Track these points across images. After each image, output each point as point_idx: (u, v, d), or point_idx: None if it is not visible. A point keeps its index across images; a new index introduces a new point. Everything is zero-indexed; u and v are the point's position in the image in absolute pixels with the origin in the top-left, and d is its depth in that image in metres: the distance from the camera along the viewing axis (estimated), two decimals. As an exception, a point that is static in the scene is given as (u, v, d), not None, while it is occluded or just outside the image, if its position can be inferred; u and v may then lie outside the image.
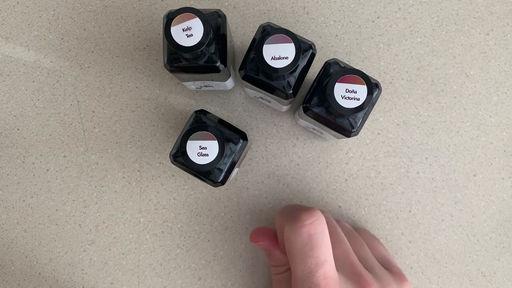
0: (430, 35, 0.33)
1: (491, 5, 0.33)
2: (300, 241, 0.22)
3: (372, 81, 0.23)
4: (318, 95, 0.24)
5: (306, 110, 0.25)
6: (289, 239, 0.23)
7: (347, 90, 0.22)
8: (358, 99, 0.22)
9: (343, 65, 0.25)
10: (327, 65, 0.25)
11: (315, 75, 0.25)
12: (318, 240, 0.22)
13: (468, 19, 0.33)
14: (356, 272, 0.23)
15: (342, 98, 0.22)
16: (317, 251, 0.22)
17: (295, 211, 0.24)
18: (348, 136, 0.25)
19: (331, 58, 0.25)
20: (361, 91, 0.22)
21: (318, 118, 0.25)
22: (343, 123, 0.24)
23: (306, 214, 0.23)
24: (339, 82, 0.22)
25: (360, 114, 0.24)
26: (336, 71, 0.24)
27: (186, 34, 0.23)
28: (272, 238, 0.27)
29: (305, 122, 0.29)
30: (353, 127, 0.24)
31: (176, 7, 0.33)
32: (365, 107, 0.22)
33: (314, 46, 0.25)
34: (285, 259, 0.26)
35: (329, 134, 0.28)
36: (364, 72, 0.22)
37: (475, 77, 0.33)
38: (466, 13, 0.33)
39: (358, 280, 0.23)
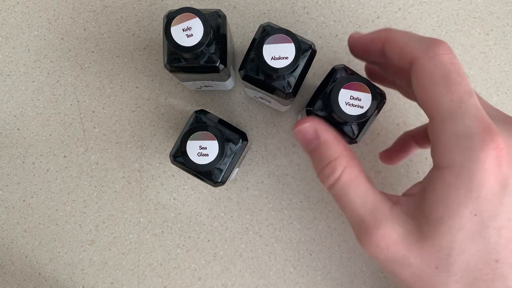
0: (430, 35, 0.33)
1: (491, 5, 0.33)
2: (444, 67, 0.19)
3: (377, 90, 0.23)
4: (323, 100, 0.24)
5: (309, 113, 0.25)
6: (427, 66, 0.19)
7: (352, 97, 0.22)
8: (362, 107, 0.22)
9: (350, 72, 0.25)
10: (334, 70, 0.25)
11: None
12: (462, 69, 0.19)
13: (468, 19, 0.33)
14: (480, 118, 0.19)
15: (346, 104, 0.22)
16: (465, 78, 0.19)
17: (424, 39, 0.21)
18: (349, 143, 0.25)
19: (339, 63, 0.25)
20: (366, 99, 0.22)
21: None
22: (345, 129, 0.24)
23: (444, 43, 0.20)
24: (344, 88, 0.22)
25: (363, 122, 0.24)
26: (342, 77, 0.24)
27: (186, 34, 0.23)
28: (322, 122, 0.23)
29: None
30: (354, 135, 0.24)
31: (176, 7, 0.33)
32: (368, 116, 0.22)
33: (314, 46, 0.25)
34: (341, 149, 0.22)
35: None
36: (369, 80, 0.22)
37: (475, 77, 0.33)
38: (466, 13, 0.33)
39: (485, 128, 0.18)
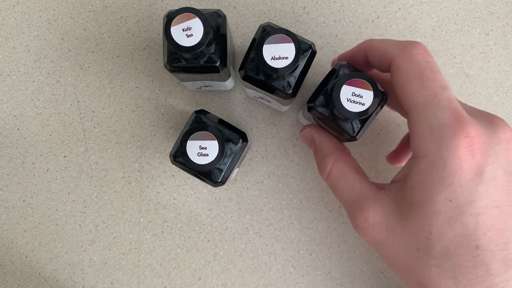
0: (430, 35, 0.33)
1: (491, 5, 0.33)
2: (418, 65, 0.20)
3: (379, 88, 0.23)
4: (324, 96, 0.24)
5: (310, 109, 0.25)
6: (403, 66, 0.21)
7: (354, 94, 0.22)
8: (363, 104, 0.22)
9: (353, 68, 0.25)
10: (337, 67, 0.25)
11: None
12: (436, 66, 0.20)
13: (468, 19, 0.33)
14: (453, 109, 0.20)
15: (348, 101, 0.22)
16: (438, 74, 0.20)
17: (400, 42, 0.22)
18: (349, 140, 0.25)
19: (342, 60, 0.26)
20: (367, 96, 0.22)
21: (321, 118, 0.25)
22: (345, 126, 0.24)
23: (418, 44, 0.21)
24: (346, 84, 0.22)
25: (364, 120, 0.24)
26: (345, 73, 0.24)
27: (186, 34, 0.23)
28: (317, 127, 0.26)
29: (308, 121, 0.29)
30: (354, 132, 0.24)
31: (176, 7, 0.33)
32: (370, 113, 0.22)
33: (314, 46, 0.25)
34: (331, 148, 0.26)
35: None
36: (372, 77, 0.22)
37: (475, 77, 0.33)
38: (466, 13, 0.33)
39: (457, 118, 0.20)
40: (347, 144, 0.32)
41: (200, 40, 0.23)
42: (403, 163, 0.29)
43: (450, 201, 0.19)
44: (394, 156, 0.30)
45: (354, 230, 0.23)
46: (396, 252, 0.21)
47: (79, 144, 0.33)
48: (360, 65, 0.26)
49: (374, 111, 0.23)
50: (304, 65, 0.25)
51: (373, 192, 0.23)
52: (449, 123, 0.19)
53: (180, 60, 0.25)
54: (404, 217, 0.20)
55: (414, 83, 0.20)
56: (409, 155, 0.30)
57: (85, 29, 0.34)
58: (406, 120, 0.32)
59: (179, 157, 0.26)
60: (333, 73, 0.25)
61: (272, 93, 0.25)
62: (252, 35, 0.33)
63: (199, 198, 0.33)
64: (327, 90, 0.24)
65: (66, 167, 0.33)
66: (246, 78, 0.25)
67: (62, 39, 0.34)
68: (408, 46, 0.21)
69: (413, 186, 0.20)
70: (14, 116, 0.34)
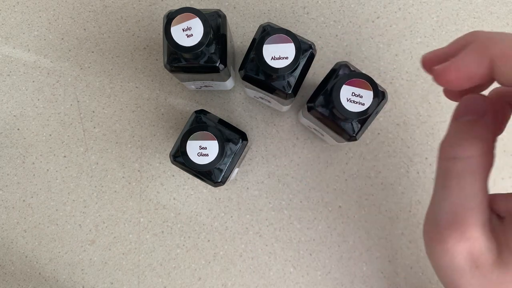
0: (430, 35, 0.33)
1: (491, 5, 0.33)
2: None
3: (379, 88, 0.23)
4: (324, 96, 0.24)
5: (310, 109, 0.25)
6: None
7: (353, 94, 0.22)
8: (363, 104, 0.22)
9: (353, 69, 0.25)
10: (337, 67, 0.25)
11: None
12: None
13: (468, 19, 0.33)
14: None
15: (347, 101, 0.22)
16: None
17: None
18: (348, 140, 0.25)
19: (342, 60, 0.25)
20: (367, 96, 0.22)
21: (321, 118, 0.25)
22: (345, 126, 0.24)
23: None
24: (346, 84, 0.22)
25: (363, 119, 0.24)
26: (345, 73, 0.24)
27: (186, 34, 0.23)
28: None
29: (308, 121, 0.29)
30: (354, 132, 0.24)
31: (176, 7, 0.33)
32: (369, 113, 0.22)
33: (314, 46, 0.25)
34: (491, 139, 0.18)
35: (329, 137, 0.28)
36: (372, 77, 0.22)
37: (475, 77, 0.33)
38: (466, 13, 0.33)
39: None
40: (346, 144, 0.32)
41: (200, 40, 0.23)
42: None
43: None
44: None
45: (433, 238, 0.19)
46: (473, 285, 0.19)
47: (79, 144, 0.33)
48: (476, 81, 0.18)
49: (374, 111, 0.23)
50: (304, 65, 0.25)
51: (486, 216, 0.19)
52: None
53: (180, 60, 0.25)
54: (500, 263, 0.18)
55: None
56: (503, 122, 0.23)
57: (85, 29, 0.34)
58: (406, 120, 0.32)
59: (179, 157, 0.26)
60: (333, 73, 0.25)
61: (272, 93, 0.26)
62: (252, 35, 0.33)
63: (199, 198, 0.33)
64: (327, 90, 0.24)
65: (66, 167, 0.33)
66: (246, 78, 0.25)
67: (62, 39, 0.34)
68: None
69: None
70: (14, 116, 0.34)
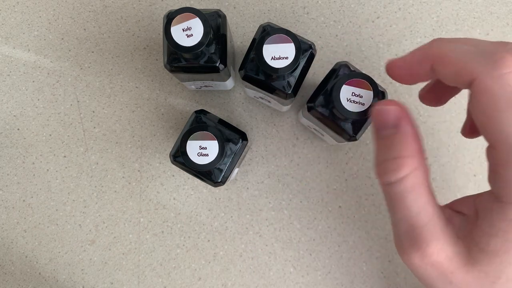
0: (430, 35, 0.33)
1: (491, 5, 0.33)
2: (511, 90, 0.16)
3: (379, 88, 0.23)
4: (324, 96, 0.24)
5: (310, 109, 0.25)
6: (491, 89, 0.17)
7: (353, 94, 0.22)
8: (363, 104, 0.22)
9: (353, 69, 0.25)
10: (337, 67, 0.25)
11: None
12: None
13: (468, 19, 0.33)
14: None
15: (347, 101, 0.22)
16: None
17: (484, 53, 0.18)
18: (348, 140, 0.25)
19: (342, 60, 0.25)
20: (367, 96, 0.22)
21: (321, 118, 0.25)
22: (345, 126, 0.24)
23: (508, 59, 0.17)
24: (346, 84, 0.22)
25: (363, 120, 0.24)
26: (345, 73, 0.24)
27: (186, 34, 0.23)
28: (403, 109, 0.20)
29: (307, 121, 0.29)
30: (354, 132, 0.24)
31: (176, 7, 0.33)
32: (369, 114, 0.22)
33: (314, 46, 0.25)
34: (416, 149, 0.19)
35: (329, 137, 0.28)
36: (372, 77, 0.22)
37: (475, 77, 0.33)
38: (466, 13, 0.33)
39: None
40: (346, 144, 0.32)
41: (200, 40, 0.23)
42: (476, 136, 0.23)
43: None
44: (469, 131, 0.24)
45: (404, 256, 0.20)
46: None
47: (79, 144, 0.33)
48: (421, 77, 0.20)
49: None
50: (304, 65, 0.25)
51: (443, 224, 0.19)
52: None
53: (180, 60, 0.25)
54: (472, 262, 0.19)
55: (505, 113, 0.16)
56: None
57: (85, 29, 0.34)
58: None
59: (179, 157, 0.26)
60: (333, 73, 0.25)
61: (272, 93, 0.26)
62: (252, 35, 0.33)
63: (199, 198, 0.33)
64: (327, 90, 0.24)
65: (66, 167, 0.33)
66: (246, 78, 0.25)
67: (62, 39, 0.34)
68: (498, 62, 0.17)
69: (492, 233, 0.18)
70: (14, 116, 0.34)
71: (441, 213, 0.20)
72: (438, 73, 0.19)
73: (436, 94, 0.24)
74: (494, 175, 0.18)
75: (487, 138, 0.18)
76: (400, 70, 0.21)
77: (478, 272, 0.18)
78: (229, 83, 0.30)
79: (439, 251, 0.19)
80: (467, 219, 0.20)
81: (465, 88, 0.18)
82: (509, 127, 0.16)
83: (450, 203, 0.22)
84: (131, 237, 0.33)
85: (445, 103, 0.25)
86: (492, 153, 0.18)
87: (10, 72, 0.34)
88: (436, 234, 0.19)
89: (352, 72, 0.23)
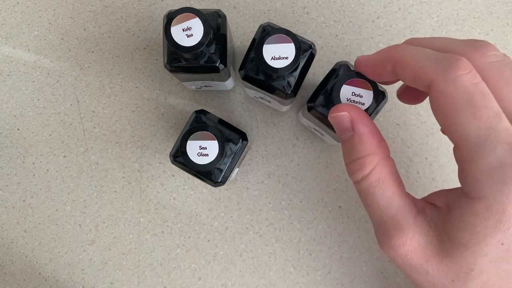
0: (430, 35, 0.33)
1: (491, 5, 0.33)
2: (466, 91, 0.17)
3: (379, 88, 0.23)
4: (324, 95, 0.24)
5: (310, 109, 0.25)
6: (447, 91, 0.18)
7: (353, 94, 0.22)
8: (363, 104, 0.22)
9: (353, 69, 0.25)
10: (337, 67, 0.25)
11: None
12: (486, 89, 0.17)
13: (468, 19, 0.33)
14: None
15: (348, 100, 0.22)
16: (490, 99, 0.17)
17: (439, 57, 0.18)
18: None
19: (342, 60, 0.25)
20: (367, 96, 0.22)
21: (321, 118, 0.25)
22: None
23: (462, 61, 0.18)
24: (346, 84, 0.22)
25: None
26: (345, 73, 0.24)
27: (186, 34, 0.23)
28: (359, 110, 0.21)
29: (308, 121, 0.29)
30: None
31: (176, 7, 0.33)
32: (369, 113, 0.22)
33: (314, 46, 0.25)
34: (374, 145, 0.21)
35: (329, 137, 0.28)
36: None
37: (475, 77, 0.33)
38: (466, 13, 0.33)
39: None
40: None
41: (200, 40, 0.23)
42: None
43: (502, 244, 0.18)
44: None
45: (382, 249, 0.21)
46: (429, 280, 0.20)
47: (79, 144, 0.33)
48: (385, 76, 0.22)
49: (374, 111, 0.23)
50: (304, 65, 0.25)
51: (413, 214, 0.20)
52: (510, 163, 0.17)
53: (180, 60, 0.25)
54: (445, 253, 0.19)
55: (463, 114, 0.17)
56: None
57: (85, 29, 0.34)
58: (406, 120, 0.32)
59: (179, 157, 0.26)
60: (333, 73, 0.25)
61: (272, 93, 0.26)
62: (252, 35, 0.33)
63: (199, 198, 0.33)
64: (327, 90, 0.24)
65: (66, 167, 0.33)
66: (246, 78, 0.25)
67: (62, 39, 0.34)
68: (451, 65, 0.18)
69: (462, 226, 0.19)
70: (14, 116, 0.34)
71: (411, 203, 0.21)
72: (399, 75, 0.20)
73: (411, 93, 0.25)
74: (461, 172, 0.19)
75: (451, 139, 0.19)
76: (365, 68, 0.22)
77: (451, 263, 0.19)
78: (229, 83, 0.30)
79: (410, 240, 0.20)
80: (439, 211, 0.21)
81: (425, 90, 0.19)
82: (468, 126, 0.17)
83: (425, 196, 0.23)
84: (131, 237, 0.33)
85: (422, 101, 0.25)
86: (457, 152, 0.19)
87: (10, 72, 0.34)
88: (406, 224, 0.20)
89: (352, 72, 0.23)
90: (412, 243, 0.20)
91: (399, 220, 0.20)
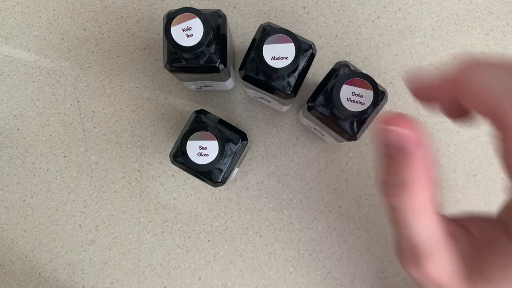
0: (430, 35, 0.33)
1: (491, 5, 0.33)
2: None
3: (379, 88, 0.23)
4: (324, 95, 0.24)
5: (310, 109, 0.25)
6: None
7: (353, 93, 0.22)
8: (363, 104, 0.22)
9: (353, 68, 0.25)
10: (337, 66, 0.25)
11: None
12: None
13: (468, 19, 0.33)
14: None
15: (347, 100, 0.22)
16: None
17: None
18: (348, 140, 0.25)
19: (342, 60, 0.25)
20: (367, 96, 0.22)
21: (321, 118, 0.25)
22: (345, 125, 0.24)
23: None
24: (346, 84, 0.22)
25: (363, 119, 0.24)
26: (345, 73, 0.24)
27: (186, 34, 0.23)
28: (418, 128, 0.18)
29: (308, 121, 0.29)
30: (354, 131, 0.24)
31: (176, 7, 0.33)
32: (369, 112, 0.22)
33: (314, 46, 0.25)
34: (422, 175, 0.18)
35: (329, 136, 0.28)
36: (372, 77, 0.22)
37: (475, 77, 0.33)
38: (466, 13, 0.33)
39: None
40: (346, 144, 0.32)
41: (200, 40, 0.23)
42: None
43: None
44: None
45: (404, 267, 0.20)
46: None
47: (79, 144, 0.33)
48: (442, 103, 0.19)
49: (374, 111, 0.23)
50: (304, 65, 0.25)
51: (445, 242, 0.19)
52: None
53: (180, 60, 0.25)
54: (472, 284, 0.19)
55: None
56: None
57: (85, 29, 0.34)
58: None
59: (179, 157, 0.26)
60: (333, 73, 0.25)
61: (272, 93, 0.26)
62: (252, 35, 0.33)
63: (199, 198, 0.33)
64: (327, 90, 0.24)
65: (66, 167, 0.33)
66: (246, 78, 0.25)
67: (62, 39, 0.34)
68: None
69: (497, 265, 0.18)
70: (14, 116, 0.34)
71: (445, 231, 0.19)
72: (461, 101, 0.18)
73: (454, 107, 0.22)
74: (509, 211, 0.18)
75: None
76: (423, 92, 0.19)
77: None
78: (229, 83, 0.30)
79: (437, 268, 0.19)
80: (473, 240, 0.20)
81: (491, 122, 0.17)
82: None
83: (460, 218, 0.22)
84: (131, 237, 0.33)
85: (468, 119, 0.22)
86: None
87: (10, 72, 0.34)
88: (437, 253, 0.19)
89: (352, 72, 0.23)
90: (439, 271, 0.19)
91: (430, 247, 0.19)
